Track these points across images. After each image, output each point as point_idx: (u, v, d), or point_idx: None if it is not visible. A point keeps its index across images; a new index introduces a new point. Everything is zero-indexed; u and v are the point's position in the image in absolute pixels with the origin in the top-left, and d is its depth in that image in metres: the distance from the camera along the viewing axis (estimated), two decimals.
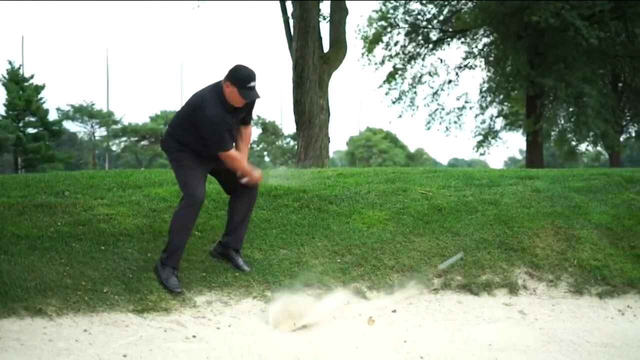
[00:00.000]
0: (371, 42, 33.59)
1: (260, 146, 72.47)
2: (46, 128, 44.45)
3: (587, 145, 36.60)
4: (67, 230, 6.93)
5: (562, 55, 27.52)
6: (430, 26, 33.42)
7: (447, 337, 5.97)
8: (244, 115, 6.46)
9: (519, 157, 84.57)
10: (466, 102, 35.64)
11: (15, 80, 42.90)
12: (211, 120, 6.09)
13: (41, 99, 44.53)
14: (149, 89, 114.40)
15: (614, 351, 5.75)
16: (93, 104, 61.30)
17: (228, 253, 6.76)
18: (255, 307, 6.27)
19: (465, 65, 34.53)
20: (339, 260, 7.07)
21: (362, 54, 34.10)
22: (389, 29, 33.16)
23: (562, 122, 32.53)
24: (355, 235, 7.51)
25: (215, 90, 6.21)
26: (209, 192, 7.25)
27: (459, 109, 35.70)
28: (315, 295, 6.52)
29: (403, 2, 32.41)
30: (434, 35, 33.83)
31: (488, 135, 36.18)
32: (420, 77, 34.62)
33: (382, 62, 33.90)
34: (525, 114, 32.29)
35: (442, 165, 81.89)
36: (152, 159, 62.42)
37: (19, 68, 44.20)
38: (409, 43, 33.46)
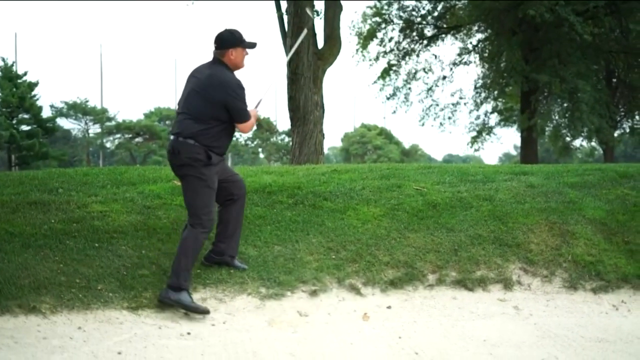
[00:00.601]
0: (365, 38, 33.66)
1: (255, 142, 72.43)
2: (40, 125, 44.41)
3: (582, 141, 36.70)
4: (61, 227, 6.91)
5: (556, 51, 27.53)
6: (424, 22, 33.45)
7: (441, 332, 5.97)
8: None
9: (514, 153, 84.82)
10: (460, 98, 35.75)
11: (8, 77, 42.86)
12: (237, 85, 6.19)
13: (35, 96, 44.55)
14: (143, 86, 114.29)
15: (608, 346, 5.76)
16: (87, 101, 61.28)
17: (224, 260, 6.71)
18: (250, 303, 6.27)
19: (460, 61, 34.58)
20: (333, 257, 7.07)
21: (357, 50, 34.19)
22: (383, 25, 33.22)
23: (557, 117, 32.58)
24: (349, 232, 7.51)
25: (218, 65, 6.27)
26: None
27: (453, 104, 35.80)
28: (309, 292, 6.53)
29: None
30: (428, 32, 33.88)
31: (482, 131, 36.27)
32: (415, 73, 34.71)
33: (377, 58, 33.98)
34: (519, 110, 32.32)
35: (436, 161, 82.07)
36: (147, 155, 62.29)
37: (12, 65, 44.22)
38: (403, 39, 33.50)
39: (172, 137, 6.25)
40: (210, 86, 6.12)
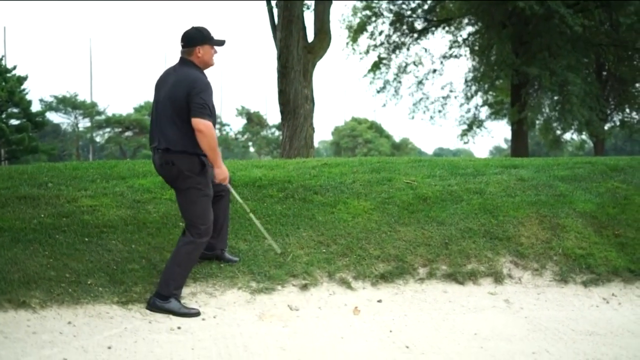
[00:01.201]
0: (356, 32, 33.68)
1: (245, 136, 72.49)
2: (29, 119, 44.23)
3: (572, 134, 36.85)
4: (51, 222, 6.88)
5: (546, 43, 27.55)
6: (414, 15, 33.47)
7: (432, 326, 5.96)
8: None
9: (504, 146, 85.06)
10: (451, 91, 35.85)
11: None
12: (203, 82, 5.84)
13: (24, 90, 44.32)
14: (132, 80, 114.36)
15: (598, 339, 5.76)
16: (76, 95, 61.28)
17: (215, 254, 6.70)
18: (240, 298, 6.25)
19: (450, 55, 34.64)
20: (324, 251, 7.07)
21: (347, 43, 34.21)
22: (373, 19, 33.25)
23: (547, 110, 32.69)
24: (340, 225, 7.51)
25: (186, 65, 6.03)
26: None
27: (443, 98, 35.91)
28: (300, 286, 6.52)
29: None
30: (418, 25, 33.93)
31: (473, 125, 36.35)
32: (405, 66, 34.76)
33: (367, 52, 34.06)
34: (510, 103, 32.40)
35: (427, 154, 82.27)
36: (137, 149, 62.27)
37: (1, 59, 43.92)
38: (393, 32, 33.56)
39: (159, 150, 5.95)
40: (177, 86, 5.86)
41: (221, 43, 6.15)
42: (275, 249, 6.77)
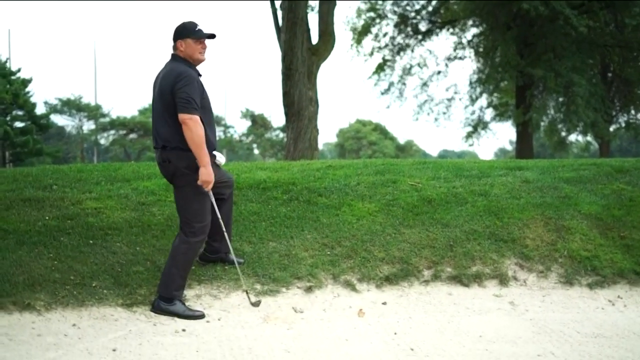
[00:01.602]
0: (360, 34, 33.65)
1: (250, 138, 72.49)
2: (34, 122, 44.32)
3: (577, 135, 36.75)
4: (55, 224, 6.89)
5: (551, 45, 27.47)
6: (419, 17, 33.44)
7: (437, 328, 5.95)
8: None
9: (509, 148, 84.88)
10: (455, 93, 35.78)
11: (2, 73, 42.70)
12: (188, 75, 5.75)
13: (28, 92, 44.45)
14: (137, 82, 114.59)
15: (604, 341, 5.75)
16: (81, 97, 61.45)
17: (220, 257, 6.70)
18: (245, 300, 6.24)
19: (455, 56, 34.58)
20: (328, 253, 7.06)
21: (351, 45, 34.17)
22: (377, 20, 33.22)
23: (552, 112, 32.54)
24: (344, 228, 7.50)
25: (174, 60, 6.01)
26: None
27: (448, 99, 35.84)
28: (304, 288, 6.51)
29: None
30: (422, 26, 33.88)
31: (478, 126, 36.28)
32: (410, 68, 34.70)
33: (371, 54, 33.99)
34: (514, 105, 32.31)
35: (431, 156, 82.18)
36: (141, 152, 62.32)
37: (5, 61, 44.08)
38: (398, 34, 33.51)
39: (157, 148, 5.96)
40: (164, 81, 5.84)
41: (204, 36, 6.03)
42: (250, 300, 6.52)
